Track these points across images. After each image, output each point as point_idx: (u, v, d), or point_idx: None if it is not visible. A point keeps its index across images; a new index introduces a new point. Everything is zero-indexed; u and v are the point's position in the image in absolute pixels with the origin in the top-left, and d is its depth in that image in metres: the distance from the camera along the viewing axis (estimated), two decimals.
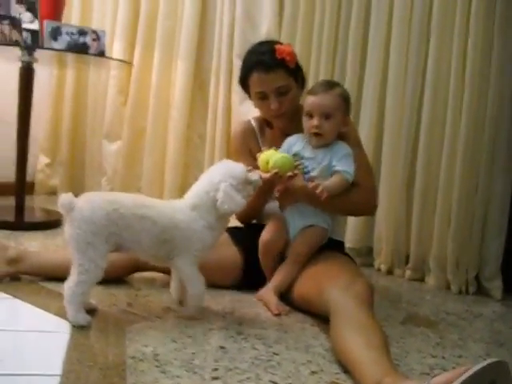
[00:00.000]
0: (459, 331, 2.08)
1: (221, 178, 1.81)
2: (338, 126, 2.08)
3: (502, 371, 1.20)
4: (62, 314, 1.73)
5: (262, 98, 2.18)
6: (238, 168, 1.86)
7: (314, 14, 3.02)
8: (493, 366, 1.18)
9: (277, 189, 2.07)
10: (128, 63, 3.56)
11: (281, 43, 2.24)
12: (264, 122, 2.35)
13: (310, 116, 2.06)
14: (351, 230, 2.94)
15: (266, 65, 2.13)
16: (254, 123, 2.36)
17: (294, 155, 2.08)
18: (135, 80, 3.62)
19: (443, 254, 2.67)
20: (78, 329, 1.64)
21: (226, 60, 3.31)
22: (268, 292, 2.07)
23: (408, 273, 2.80)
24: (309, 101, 2.08)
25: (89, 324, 1.67)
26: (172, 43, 3.52)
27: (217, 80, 3.35)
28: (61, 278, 2.04)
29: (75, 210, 1.67)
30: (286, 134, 2.20)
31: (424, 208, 2.74)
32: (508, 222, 2.65)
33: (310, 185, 1.97)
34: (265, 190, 2.03)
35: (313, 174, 2.07)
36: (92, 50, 3.01)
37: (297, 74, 2.21)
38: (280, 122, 2.23)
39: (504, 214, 2.63)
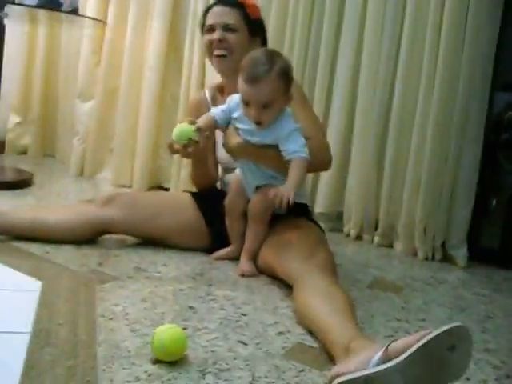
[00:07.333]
0: (423, 296, 2.12)
1: None
2: (280, 108, 1.92)
3: (462, 336, 1.19)
4: (32, 273, 1.75)
5: (209, 31, 2.22)
6: None
7: None
8: (453, 331, 1.17)
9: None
10: (102, 22, 3.50)
11: None
12: (217, 90, 2.36)
13: (247, 104, 1.91)
14: (321, 195, 2.97)
15: (225, 2, 2.22)
16: (207, 93, 2.39)
17: (234, 119, 2.02)
18: (109, 39, 3.55)
19: (411, 222, 2.71)
20: (49, 288, 1.65)
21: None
22: (242, 255, 2.09)
23: (376, 239, 2.85)
24: (244, 88, 1.89)
25: None
26: (147, 2, 3.45)
27: (192, 41, 3.30)
28: (31, 237, 2.07)
29: None
30: None
31: (394, 177, 2.77)
32: (475, 192, 2.69)
33: (270, 195, 1.85)
34: (185, 156, 2.07)
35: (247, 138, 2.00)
36: (65, 7, 2.96)
37: (253, 26, 2.23)
38: (222, 64, 2.21)
39: (472, 185, 2.66)
